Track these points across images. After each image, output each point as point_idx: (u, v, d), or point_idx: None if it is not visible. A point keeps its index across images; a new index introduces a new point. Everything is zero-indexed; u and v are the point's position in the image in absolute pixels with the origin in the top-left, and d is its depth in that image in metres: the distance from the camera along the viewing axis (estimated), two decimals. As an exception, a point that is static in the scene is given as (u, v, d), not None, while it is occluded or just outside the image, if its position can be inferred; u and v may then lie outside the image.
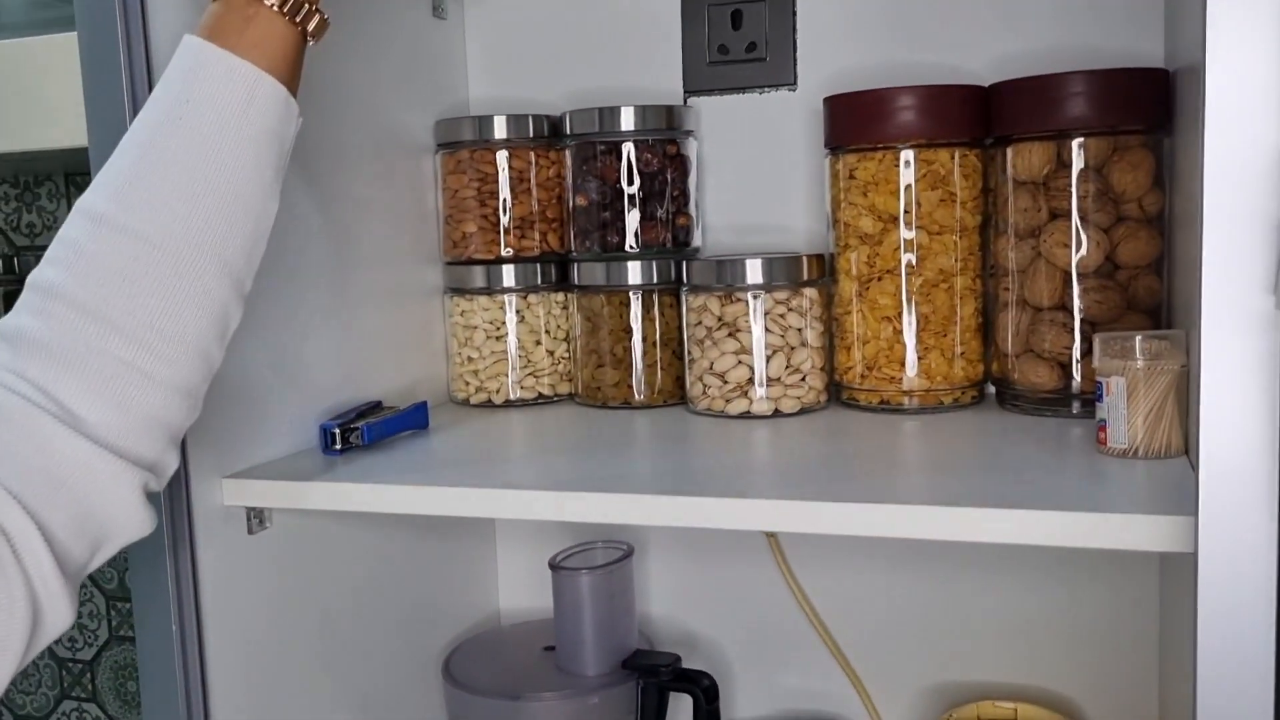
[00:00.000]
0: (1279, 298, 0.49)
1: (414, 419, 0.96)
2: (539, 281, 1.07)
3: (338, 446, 0.88)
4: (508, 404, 1.08)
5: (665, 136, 1.03)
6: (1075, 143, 0.87)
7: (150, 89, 0.75)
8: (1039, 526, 0.63)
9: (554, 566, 1.01)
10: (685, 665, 1.04)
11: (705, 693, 0.98)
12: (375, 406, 0.97)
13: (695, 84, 1.10)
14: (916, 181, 0.92)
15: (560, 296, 1.08)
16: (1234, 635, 0.55)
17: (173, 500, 0.77)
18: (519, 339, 1.07)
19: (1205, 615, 0.55)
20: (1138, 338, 0.75)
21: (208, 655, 0.80)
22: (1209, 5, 0.52)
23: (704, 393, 0.97)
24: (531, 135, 1.07)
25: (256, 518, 0.85)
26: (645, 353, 1.03)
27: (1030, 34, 0.99)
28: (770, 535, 1.09)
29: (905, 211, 0.93)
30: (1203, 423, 0.54)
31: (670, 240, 1.05)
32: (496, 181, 1.07)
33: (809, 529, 0.70)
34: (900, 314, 0.94)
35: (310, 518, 0.90)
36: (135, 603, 0.77)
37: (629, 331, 1.03)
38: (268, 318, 0.87)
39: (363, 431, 0.89)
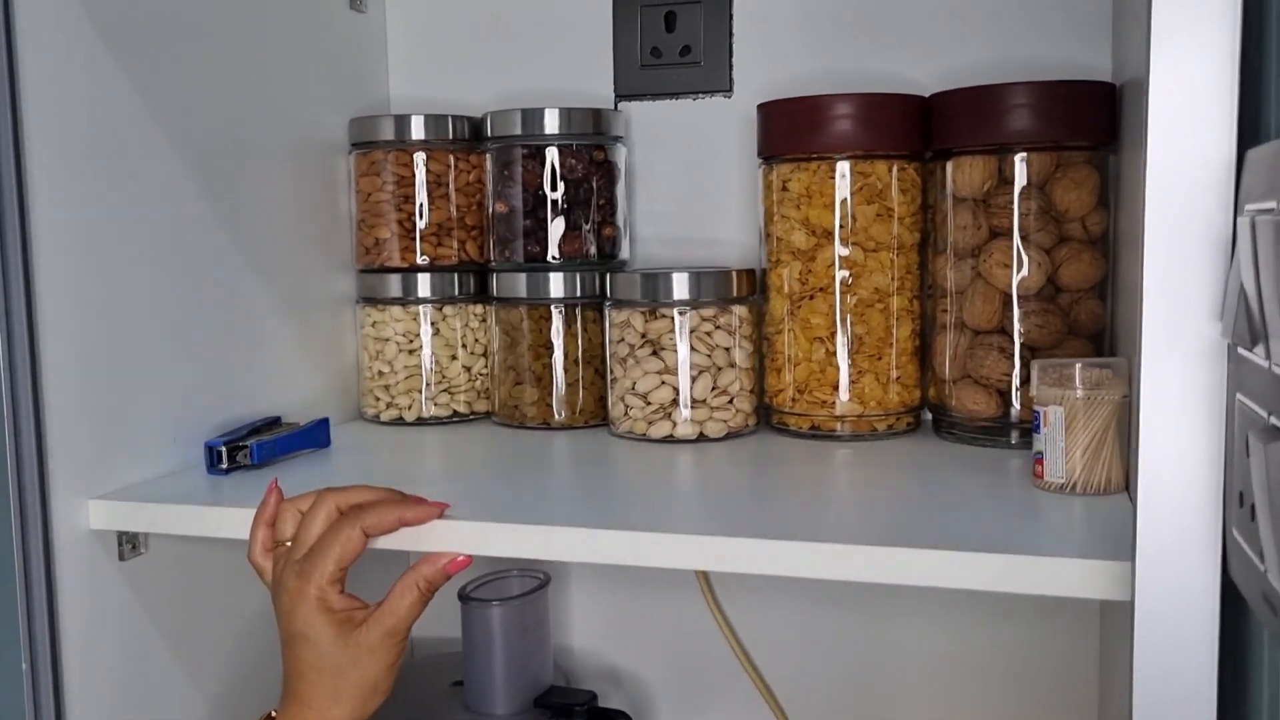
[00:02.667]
0: (1226, 324, 0.44)
1: (313, 437, 0.90)
2: (456, 292, 1.01)
3: (224, 466, 0.81)
4: (420, 422, 1.01)
5: (592, 142, 0.98)
6: (1017, 157, 0.83)
7: (11, 75, 0.68)
8: (966, 570, 0.58)
9: (463, 597, 0.95)
10: (605, 703, 0.98)
11: (622, 733, 0.92)
12: (273, 423, 0.91)
13: (627, 88, 1.05)
14: (852, 195, 0.87)
15: (479, 309, 1.02)
16: (1173, 689, 0.50)
17: (25, 523, 0.69)
18: (434, 353, 1.01)
19: (1142, 668, 0.50)
20: (1077, 365, 0.70)
21: (67, 698, 0.72)
22: (1154, 15, 0.47)
23: (626, 414, 0.92)
24: (451, 137, 1.01)
25: (129, 543, 0.78)
26: (566, 370, 0.97)
27: (979, 45, 0.95)
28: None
29: (840, 226, 0.88)
30: (1141, 460, 0.49)
31: (595, 251, 0.99)
32: (413, 185, 1.01)
33: (728, 568, 0.64)
34: (833, 334, 0.89)
35: (193, 543, 0.83)
36: (-20, 638, 0.70)
37: (549, 348, 0.97)
38: (150, 321, 0.80)
39: (252, 450, 0.83)
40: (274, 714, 0.68)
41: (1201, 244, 0.47)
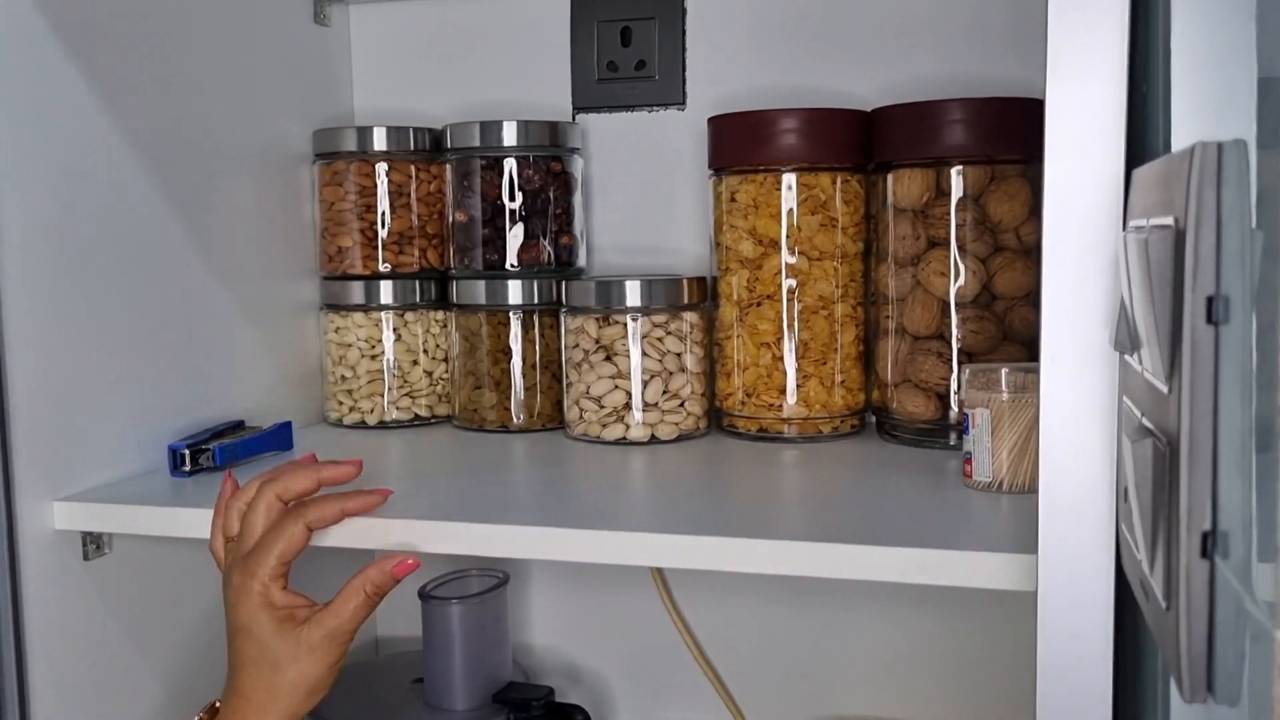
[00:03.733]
0: (1112, 333, 0.48)
1: (275, 440, 0.92)
2: (417, 299, 1.04)
3: (186, 468, 0.84)
4: (382, 425, 1.04)
5: (549, 153, 1.01)
6: (954, 171, 0.86)
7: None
8: (886, 563, 0.61)
9: (423, 595, 0.97)
10: (564, 698, 1.01)
11: (578, 728, 0.95)
12: (236, 426, 0.93)
13: (584, 101, 1.08)
14: (797, 206, 0.91)
15: (439, 315, 1.05)
16: (1072, 674, 0.53)
17: (-10, 524, 0.72)
18: (395, 358, 1.04)
19: (1045, 653, 0.53)
20: (1003, 369, 0.74)
21: (31, 696, 0.75)
22: (1050, 42, 0.51)
23: (580, 417, 0.95)
24: (412, 148, 1.04)
25: (93, 543, 0.80)
26: (524, 375, 1.00)
27: (922, 62, 0.99)
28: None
29: (786, 236, 0.91)
30: (1042, 459, 0.52)
31: (553, 260, 1.02)
32: (375, 194, 1.03)
33: (672, 564, 0.68)
34: (780, 340, 0.92)
35: (157, 544, 0.85)
36: (-54, 636, 0.72)
37: (508, 353, 1.00)
38: (116, 326, 0.83)
39: (214, 453, 0.85)
40: (217, 704, 0.70)
41: (1095, 257, 0.50)
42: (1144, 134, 0.51)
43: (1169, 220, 0.37)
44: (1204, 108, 0.46)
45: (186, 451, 0.84)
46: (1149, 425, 0.41)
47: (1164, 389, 0.38)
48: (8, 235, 0.74)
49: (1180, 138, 0.47)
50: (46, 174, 0.77)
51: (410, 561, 0.69)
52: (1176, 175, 0.36)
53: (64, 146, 0.78)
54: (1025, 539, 0.61)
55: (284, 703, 0.67)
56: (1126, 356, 0.46)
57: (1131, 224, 0.46)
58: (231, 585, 0.69)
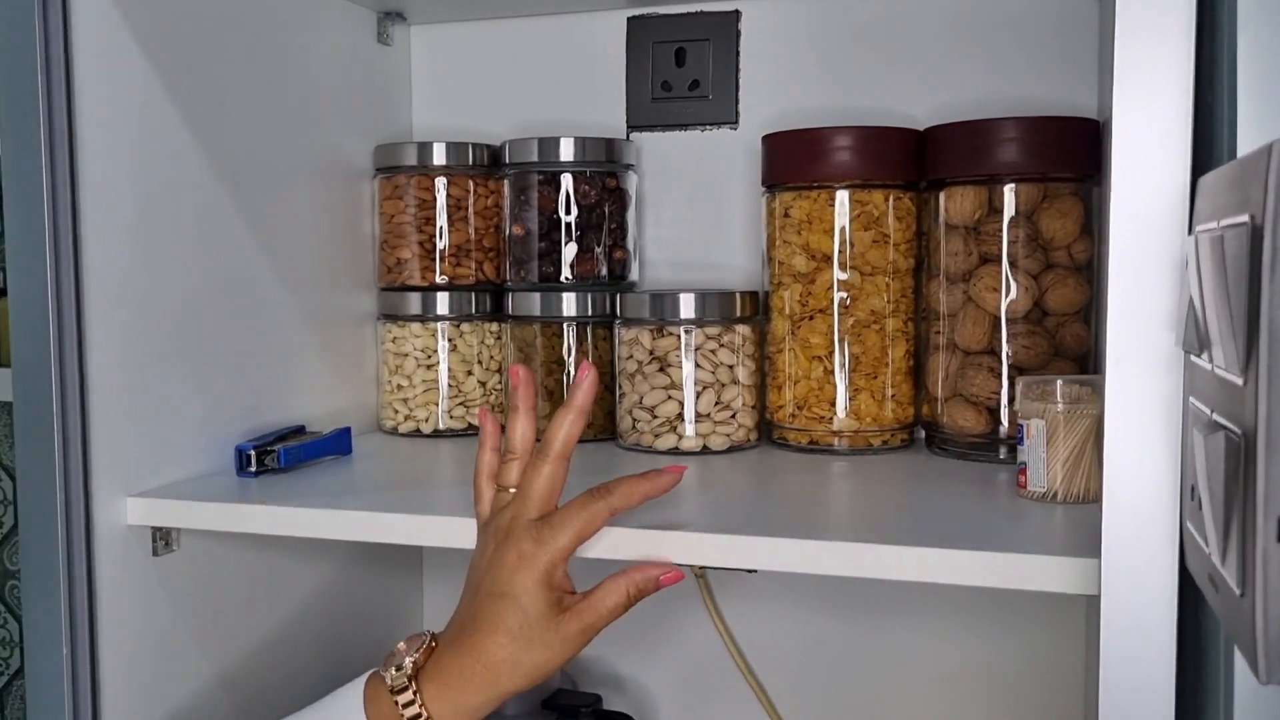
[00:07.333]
0: (1180, 333, 0.49)
1: (336, 444, 0.95)
2: (473, 310, 1.06)
3: (252, 468, 0.86)
4: (436, 434, 1.06)
5: (604, 169, 1.03)
6: (1007, 188, 0.88)
7: (69, 99, 0.74)
8: (948, 566, 0.62)
9: (475, 601, 0.99)
10: (609, 706, 1.02)
11: (625, 735, 0.96)
12: (298, 431, 0.95)
13: (638, 119, 1.10)
14: (850, 222, 0.92)
15: (494, 326, 1.07)
16: (1136, 676, 0.54)
17: (69, 517, 0.74)
18: (450, 368, 1.06)
19: (1107, 656, 0.54)
20: (1058, 381, 0.75)
21: (102, 683, 0.77)
22: (1117, 57, 0.52)
23: (633, 427, 0.96)
24: (471, 163, 1.06)
25: (162, 539, 0.83)
26: (577, 386, 1.01)
27: (973, 82, 1.00)
28: (699, 575, 1.08)
29: (839, 251, 0.93)
30: (1106, 461, 0.53)
31: (606, 273, 1.04)
32: (434, 208, 1.06)
33: (727, 563, 0.69)
34: (831, 354, 0.93)
35: (222, 541, 0.87)
36: (25, 625, 0.75)
37: (561, 364, 1.02)
38: (188, 333, 0.85)
39: (279, 454, 0.87)
40: (435, 635, 0.68)
41: (1160, 264, 0.52)
42: (1209, 143, 0.52)
43: (1244, 218, 0.38)
44: (1270, 116, 0.47)
45: (253, 452, 0.86)
46: (1220, 420, 0.42)
47: (1238, 382, 0.39)
48: (92, 244, 0.76)
49: (1246, 145, 0.48)
50: (130, 187, 0.80)
51: (675, 574, 0.67)
52: (1252, 174, 0.38)
53: (146, 162, 0.81)
54: (1082, 547, 0.62)
55: (517, 679, 0.65)
56: (1194, 357, 0.48)
57: (1199, 228, 0.47)
58: (516, 550, 0.65)
